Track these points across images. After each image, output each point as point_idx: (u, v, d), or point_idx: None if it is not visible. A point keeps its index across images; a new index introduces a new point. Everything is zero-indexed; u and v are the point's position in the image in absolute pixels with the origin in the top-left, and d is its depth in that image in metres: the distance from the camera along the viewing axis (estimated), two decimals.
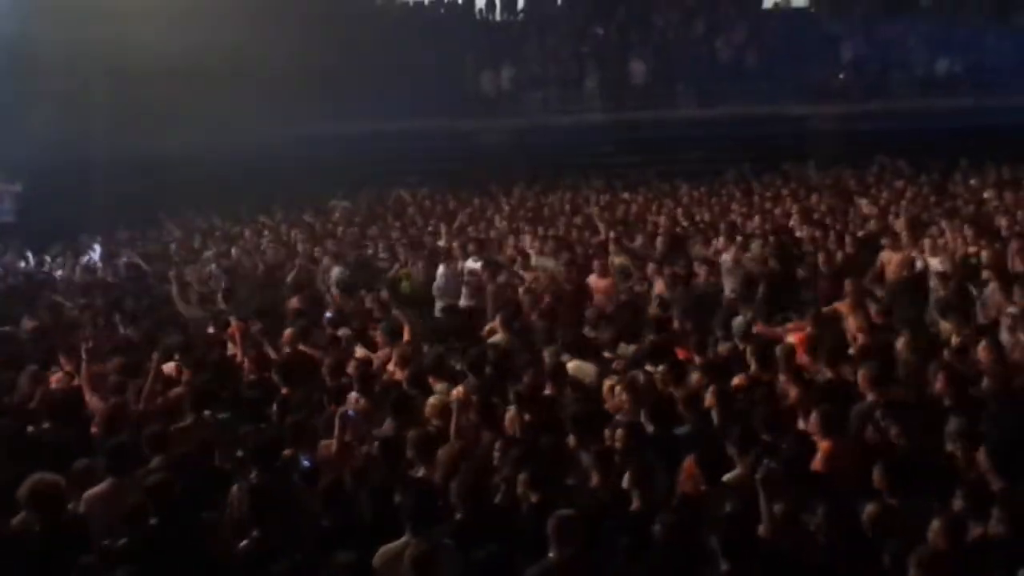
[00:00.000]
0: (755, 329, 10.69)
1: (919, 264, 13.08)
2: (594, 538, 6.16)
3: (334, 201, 23.92)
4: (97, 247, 19.18)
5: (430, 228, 19.29)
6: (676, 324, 11.19)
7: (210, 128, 24.41)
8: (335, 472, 7.39)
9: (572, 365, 9.58)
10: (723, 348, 10.12)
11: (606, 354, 10.22)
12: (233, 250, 18.28)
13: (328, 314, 12.40)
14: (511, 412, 8.28)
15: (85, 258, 18.54)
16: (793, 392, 8.53)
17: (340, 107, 27.65)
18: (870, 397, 8.11)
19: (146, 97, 23.13)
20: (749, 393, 8.59)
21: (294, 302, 13.40)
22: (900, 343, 9.57)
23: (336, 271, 15.15)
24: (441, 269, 14.61)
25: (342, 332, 11.47)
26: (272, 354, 10.76)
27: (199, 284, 15.05)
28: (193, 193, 23.62)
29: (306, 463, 7.46)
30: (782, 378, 8.86)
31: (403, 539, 6.25)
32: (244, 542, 6.54)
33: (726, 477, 6.99)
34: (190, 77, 23.07)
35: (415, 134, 28.11)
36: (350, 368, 9.76)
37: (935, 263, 13.03)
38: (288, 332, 11.12)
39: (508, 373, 9.37)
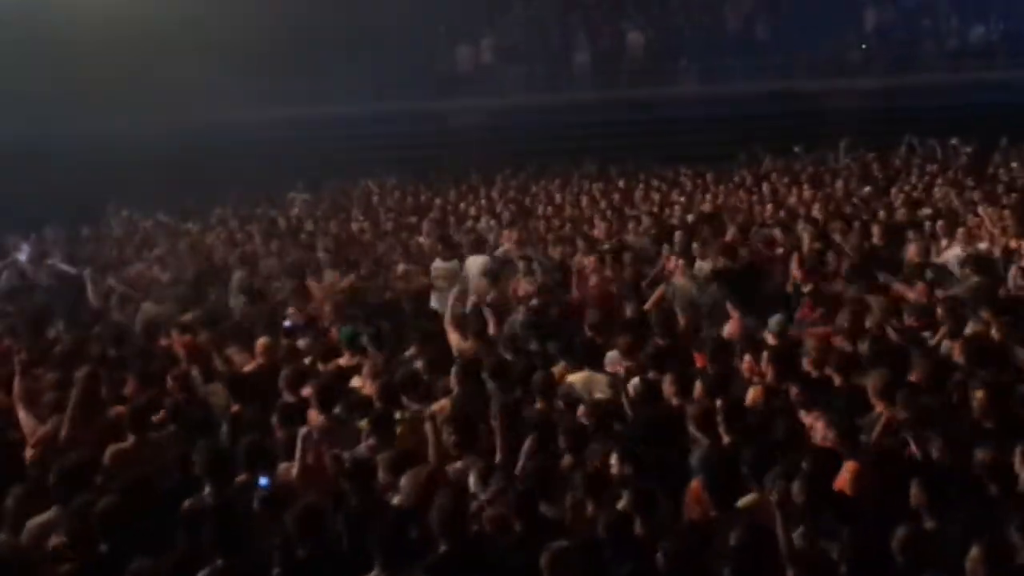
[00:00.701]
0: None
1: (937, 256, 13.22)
2: (591, 570, 6.18)
3: (293, 193, 23.88)
4: (25, 247, 19.04)
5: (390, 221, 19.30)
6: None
7: (151, 109, 24.37)
8: (297, 497, 7.41)
9: (581, 377, 9.56)
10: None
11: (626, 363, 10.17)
12: (179, 248, 18.26)
13: (287, 323, 12.40)
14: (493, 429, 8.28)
15: (11, 259, 18.42)
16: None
17: (296, 87, 27.63)
18: (878, 409, 8.18)
19: (81, 75, 23.10)
20: (766, 405, 8.63)
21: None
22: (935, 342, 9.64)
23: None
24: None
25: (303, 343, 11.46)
26: (220, 367, 10.77)
27: (122, 285, 15.12)
28: (134, 183, 23.54)
29: (263, 481, 7.46)
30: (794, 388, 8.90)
31: (373, 573, 6.26)
32: (204, 571, 6.54)
33: (740, 502, 7.00)
34: (131, 51, 23.07)
35: (382, 117, 28.11)
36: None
37: (953, 252, 13.19)
38: (262, 342, 11.16)
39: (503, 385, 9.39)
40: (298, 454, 7.91)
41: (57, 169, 23.12)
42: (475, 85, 30.44)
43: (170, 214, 22.11)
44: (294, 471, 7.89)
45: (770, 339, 10.41)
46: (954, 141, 22.01)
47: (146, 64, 23.64)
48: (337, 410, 9.03)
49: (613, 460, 7.45)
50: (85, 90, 23.39)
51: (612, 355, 10.32)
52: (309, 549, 6.65)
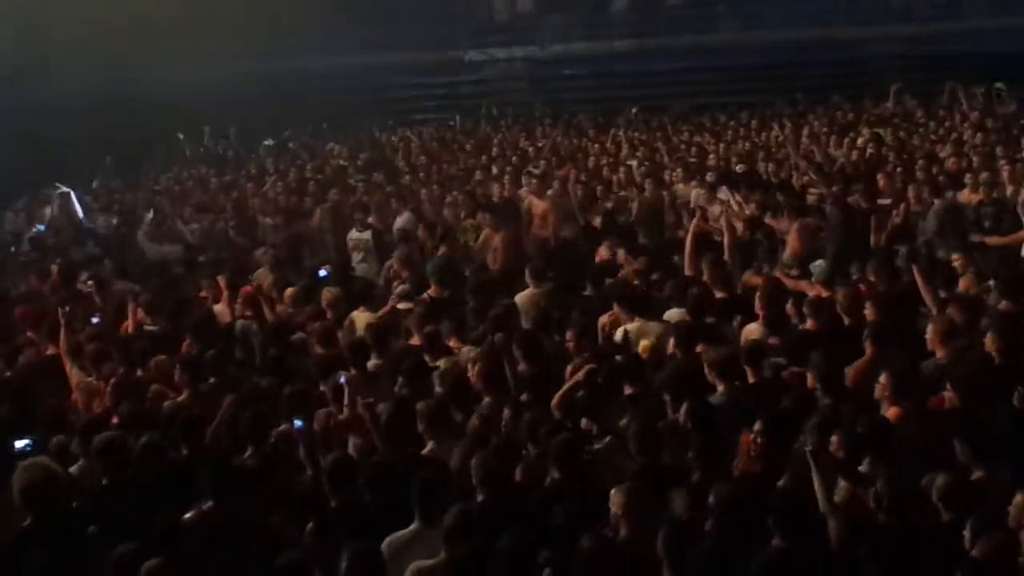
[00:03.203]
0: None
1: None
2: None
3: (332, 144, 23.89)
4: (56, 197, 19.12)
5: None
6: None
7: (178, 63, 24.39)
8: (334, 447, 7.51)
9: (634, 326, 9.43)
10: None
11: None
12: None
13: (322, 272, 12.39)
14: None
15: (47, 211, 18.52)
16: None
17: (336, 36, 27.53)
18: (939, 354, 8.09)
19: (109, 27, 23.13)
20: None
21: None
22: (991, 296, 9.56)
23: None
24: None
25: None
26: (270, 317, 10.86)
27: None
28: (160, 135, 23.71)
29: (298, 424, 7.52)
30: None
31: (412, 527, 6.29)
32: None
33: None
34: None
35: (419, 67, 28.03)
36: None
37: None
38: (289, 291, 11.19)
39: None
40: (346, 400, 7.96)
41: (82, 122, 23.15)
42: (513, 34, 30.27)
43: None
44: (342, 416, 7.94)
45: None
46: (999, 84, 21.64)
47: (199, 13, 23.64)
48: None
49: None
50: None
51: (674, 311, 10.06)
52: (342, 500, 6.70)
